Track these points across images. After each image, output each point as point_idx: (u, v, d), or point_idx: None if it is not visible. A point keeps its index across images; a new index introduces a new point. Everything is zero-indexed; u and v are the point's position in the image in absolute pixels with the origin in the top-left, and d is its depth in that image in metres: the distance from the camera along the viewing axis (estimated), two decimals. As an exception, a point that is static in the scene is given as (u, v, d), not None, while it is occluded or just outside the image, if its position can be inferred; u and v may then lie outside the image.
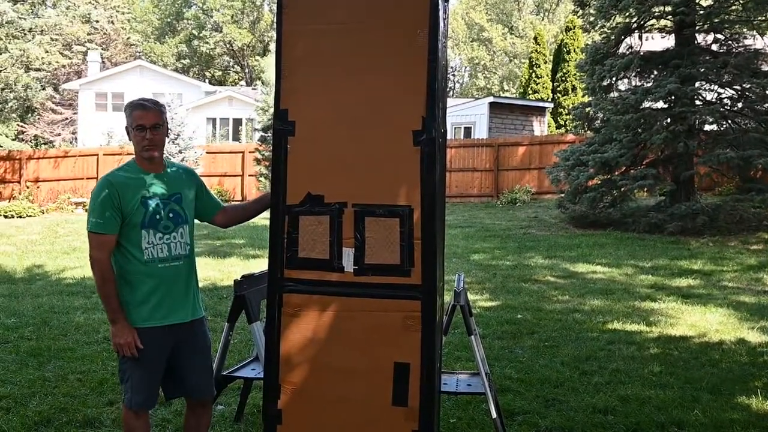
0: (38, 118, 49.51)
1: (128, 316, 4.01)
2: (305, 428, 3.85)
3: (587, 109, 20.04)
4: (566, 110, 33.26)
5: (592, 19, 19.63)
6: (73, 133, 48.24)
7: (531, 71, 36.05)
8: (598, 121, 19.76)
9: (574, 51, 34.18)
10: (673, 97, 17.25)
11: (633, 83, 18.94)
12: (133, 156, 4.18)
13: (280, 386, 3.83)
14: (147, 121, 4.06)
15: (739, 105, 18.01)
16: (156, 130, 4.08)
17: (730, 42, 18.04)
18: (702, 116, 17.28)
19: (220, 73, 72.15)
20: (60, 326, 8.78)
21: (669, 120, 17.43)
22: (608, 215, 18.46)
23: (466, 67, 74.81)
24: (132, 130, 4.07)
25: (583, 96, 25.50)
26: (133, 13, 66.34)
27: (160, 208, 4.07)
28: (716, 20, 17.67)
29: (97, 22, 54.70)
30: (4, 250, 16.10)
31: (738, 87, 17.83)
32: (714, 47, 18.26)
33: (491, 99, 31.87)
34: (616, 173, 18.23)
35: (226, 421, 5.57)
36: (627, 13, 18.70)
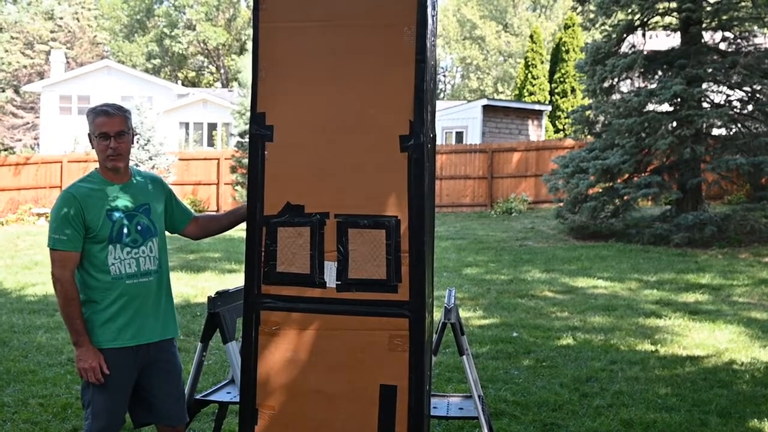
0: (-3, 123, 49.38)
1: (94, 337, 3.99)
2: (284, 456, 3.83)
3: (587, 113, 20.12)
4: (565, 113, 33.32)
5: (592, 16, 19.72)
6: (35, 139, 48.13)
7: (527, 72, 36.15)
8: (599, 125, 19.83)
9: (573, 50, 34.32)
10: (678, 100, 17.33)
11: (636, 84, 19.04)
12: (97, 165, 4.17)
13: (257, 411, 3.80)
14: (111, 128, 4.04)
15: (750, 108, 18.13)
16: (120, 138, 4.06)
17: (739, 40, 18.17)
18: (710, 120, 17.38)
19: (193, 74, 72.11)
20: (20, 347, 8.74)
21: (675, 124, 17.51)
22: (610, 226, 18.51)
23: (457, 68, 75.04)
24: (95, 138, 4.05)
25: (583, 98, 25.61)
26: (100, 9, 66.33)
27: (128, 221, 4.06)
28: (725, 17, 17.79)
29: (61, 18, 54.76)
30: (-41, 264, 16.01)
31: (748, 88, 17.93)
32: (722, 46, 18.38)
33: (484, 101, 31.92)
34: (619, 181, 18.30)
35: (200, 448, 5.55)
36: (629, 10, 18.81)
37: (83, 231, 3.97)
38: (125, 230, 4.05)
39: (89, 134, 4.09)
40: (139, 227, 4.11)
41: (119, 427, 4.15)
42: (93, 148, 4.10)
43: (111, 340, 4.02)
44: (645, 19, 18.95)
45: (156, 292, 4.19)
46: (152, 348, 4.16)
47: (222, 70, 70.14)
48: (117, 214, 4.04)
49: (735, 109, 18.11)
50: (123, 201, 4.09)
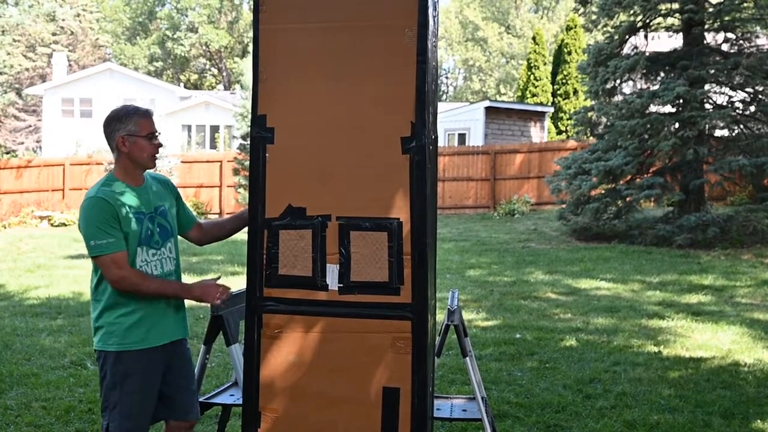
0: (-1, 126, 49.41)
1: (122, 339, 4.02)
2: (287, 459, 3.83)
3: (590, 114, 20.12)
4: (567, 115, 33.36)
5: (594, 17, 19.70)
6: (38, 142, 48.13)
7: (529, 73, 36.16)
8: (602, 127, 19.83)
9: (576, 51, 34.32)
10: (681, 101, 17.33)
11: (638, 86, 19.04)
12: (111, 168, 4.18)
13: (260, 413, 3.80)
14: (155, 129, 4.14)
15: (752, 109, 18.13)
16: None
17: (741, 41, 18.15)
18: (712, 121, 17.37)
19: (195, 76, 72.14)
20: (23, 350, 8.73)
21: (677, 125, 17.50)
22: (613, 227, 18.51)
23: (459, 69, 75.08)
24: (139, 138, 4.06)
25: (586, 100, 25.67)
26: (102, 11, 66.35)
27: (150, 223, 4.10)
28: (727, 18, 17.78)
29: (63, 21, 54.75)
30: (-38, 267, 16.02)
31: (750, 89, 17.93)
32: (724, 47, 18.37)
33: (487, 103, 31.95)
34: (621, 182, 18.27)
35: (203, 451, 5.55)
36: (631, 11, 18.80)
37: (121, 233, 3.98)
38: (149, 232, 4.09)
39: (124, 135, 4.05)
40: (159, 229, 4.15)
41: (147, 427, 4.18)
42: (116, 149, 4.09)
43: (139, 341, 4.04)
44: (647, 21, 18.95)
45: None
46: (175, 345, 4.22)
47: (224, 73, 70.17)
48: (142, 217, 4.07)
49: (737, 110, 18.10)
50: (143, 203, 4.11)
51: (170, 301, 4.18)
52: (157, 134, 4.15)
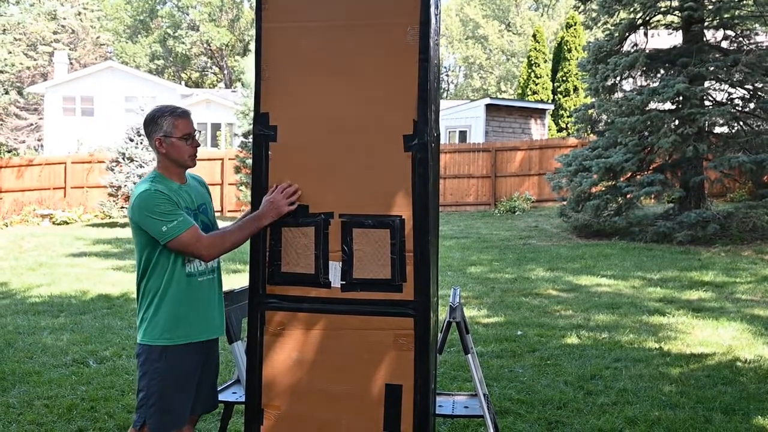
0: (1, 124, 49.36)
1: (167, 333, 4.01)
2: (290, 456, 3.83)
3: (590, 111, 20.11)
4: (568, 112, 33.34)
5: (594, 15, 19.68)
6: (39, 140, 48.12)
7: (530, 71, 36.14)
8: (602, 124, 19.83)
9: (576, 49, 34.30)
10: (681, 98, 17.31)
11: (638, 83, 19.01)
12: (155, 166, 4.18)
13: (262, 411, 3.81)
14: (192, 129, 4.13)
15: (751, 105, 18.09)
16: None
17: (741, 39, 18.14)
18: (712, 118, 17.34)
19: (197, 74, 72.16)
20: (25, 348, 8.73)
21: (677, 122, 17.48)
22: (613, 224, 18.50)
23: (460, 67, 75.03)
24: (175, 140, 4.06)
25: (586, 97, 25.59)
26: (103, 10, 66.32)
27: (194, 219, 4.09)
28: (726, 16, 17.76)
29: (65, 19, 54.68)
30: (-36, 266, 16.03)
31: (750, 86, 17.90)
32: (724, 44, 18.34)
33: (487, 101, 31.92)
34: (622, 179, 18.28)
35: (205, 448, 5.54)
36: (631, 9, 18.78)
37: (183, 212, 3.97)
38: None
39: (161, 137, 4.06)
40: (202, 226, 4.13)
41: (185, 422, 4.16)
42: (157, 148, 4.09)
43: (184, 336, 4.03)
44: (647, 18, 18.94)
45: (217, 289, 4.24)
46: (211, 343, 4.21)
47: (225, 71, 70.18)
48: (187, 212, 4.05)
49: (737, 107, 18.07)
50: (188, 200, 4.12)
51: (213, 298, 4.17)
52: (194, 134, 4.14)
